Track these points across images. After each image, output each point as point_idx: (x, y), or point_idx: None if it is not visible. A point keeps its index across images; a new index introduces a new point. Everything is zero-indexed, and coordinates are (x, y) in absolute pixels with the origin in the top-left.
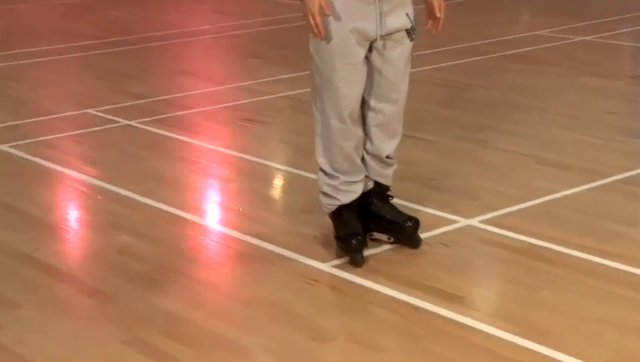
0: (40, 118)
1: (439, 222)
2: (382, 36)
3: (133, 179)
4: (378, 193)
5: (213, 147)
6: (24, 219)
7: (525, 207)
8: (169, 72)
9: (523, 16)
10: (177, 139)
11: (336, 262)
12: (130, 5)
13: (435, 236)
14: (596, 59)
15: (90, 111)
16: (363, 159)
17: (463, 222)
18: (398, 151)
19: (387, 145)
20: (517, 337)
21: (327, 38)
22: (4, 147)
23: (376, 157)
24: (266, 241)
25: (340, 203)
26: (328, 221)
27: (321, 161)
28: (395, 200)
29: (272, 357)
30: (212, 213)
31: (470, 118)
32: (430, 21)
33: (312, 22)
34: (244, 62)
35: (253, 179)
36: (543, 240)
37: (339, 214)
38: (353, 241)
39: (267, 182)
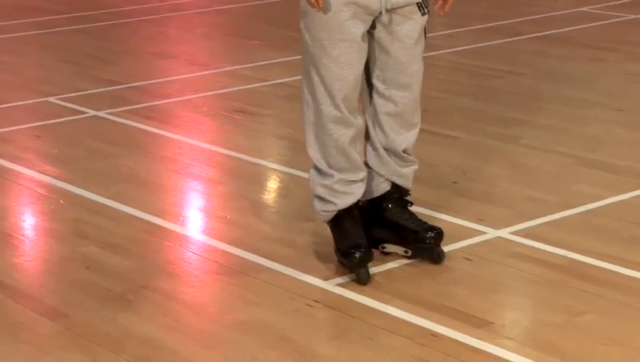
0: None
1: (463, 233)
2: (387, 10)
3: (102, 181)
4: (395, 197)
5: (196, 143)
6: None
7: (565, 216)
8: (144, 53)
9: None
10: (154, 133)
11: (341, 279)
12: None
13: (458, 249)
14: None
15: (51, 99)
16: (377, 154)
17: (491, 233)
18: (415, 149)
19: (403, 138)
20: None
21: (322, 9)
22: None
23: (392, 151)
24: (258, 254)
25: (336, 208)
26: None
27: (314, 156)
28: (411, 207)
29: None
30: (195, 220)
31: (500, 111)
32: (440, 0)
33: None
34: (234, 43)
35: (243, 181)
36: (586, 255)
37: (337, 223)
38: (356, 255)
39: (259, 184)
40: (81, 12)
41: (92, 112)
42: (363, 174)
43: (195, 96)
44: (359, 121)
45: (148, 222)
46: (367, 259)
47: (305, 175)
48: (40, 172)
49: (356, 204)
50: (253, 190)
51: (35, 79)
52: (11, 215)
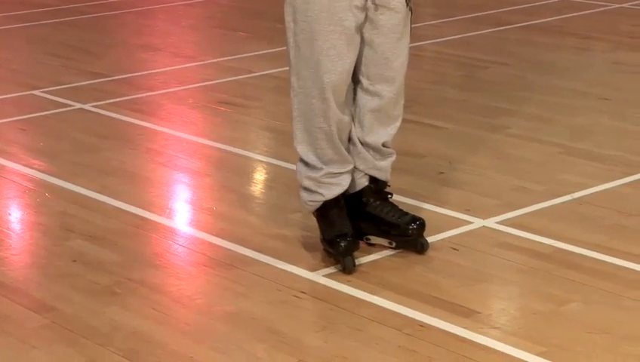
0: None
1: (449, 223)
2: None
3: (88, 174)
4: (375, 190)
5: (182, 135)
6: None
7: (551, 205)
8: (130, 46)
9: None
10: (140, 125)
11: (328, 270)
12: None
13: (445, 239)
14: (635, 31)
15: (37, 92)
16: (355, 148)
17: (477, 222)
18: (401, 140)
19: (384, 132)
20: (542, 359)
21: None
22: None
23: (370, 145)
24: (245, 246)
25: (323, 198)
26: None
27: (301, 149)
28: (398, 198)
29: None
30: (181, 212)
31: (486, 101)
32: None
33: None
34: (220, 35)
35: (230, 173)
36: (573, 244)
37: (323, 212)
38: (342, 243)
39: (246, 176)
40: (66, 4)
41: (78, 105)
42: (350, 166)
43: (181, 88)
44: (346, 115)
45: (135, 215)
46: (352, 247)
47: (291, 166)
48: (25, 165)
49: (342, 194)
50: (239, 182)
51: (20, 72)
52: None
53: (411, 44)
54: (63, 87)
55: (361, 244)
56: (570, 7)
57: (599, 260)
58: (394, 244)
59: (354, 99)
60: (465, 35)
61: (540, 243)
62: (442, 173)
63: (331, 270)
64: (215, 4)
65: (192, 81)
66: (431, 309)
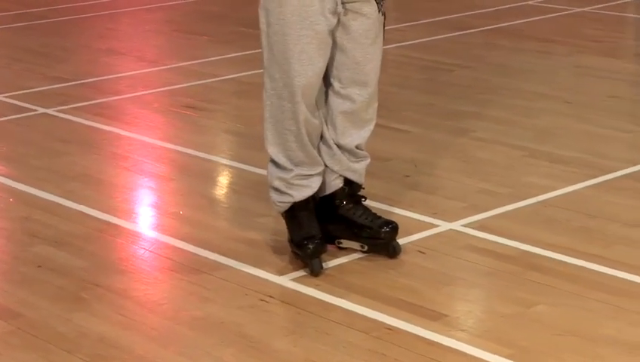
0: None
1: (416, 226)
2: (343, 3)
3: (53, 179)
4: (348, 193)
5: (147, 139)
6: None
7: (516, 208)
8: (93, 50)
9: None
10: (104, 130)
11: (295, 274)
12: None
13: (412, 243)
14: (597, 35)
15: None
16: (329, 150)
17: (443, 225)
18: (366, 144)
19: (357, 136)
20: (509, 361)
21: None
22: None
23: (344, 148)
24: (211, 251)
25: (293, 200)
26: (285, 226)
27: (272, 151)
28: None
29: None
30: (147, 217)
31: (451, 104)
32: None
33: None
34: (183, 39)
35: (195, 177)
36: (538, 246)
37: (292, 214)
38: (309, 246)
39: (211, 180)
40: (28, 9)
41: (41, 110)
42: (321, 168)
43: (145, 92)
44: (317, 118)
45: (99, 220)
46: (320, 250)
47: (256, 170)
48: None
49: (312, 197)
50: (204, 186)
51: None
52: None
53: None
54: (26, 91)
55: (330, 248)
56: (533, 12)
57: (564, 262)
58: (366, 248)
59: (325, 101)
60: (428, 38)
61: (506, 245)
62: (408, 176)
63: (299, 274)
64: (176, 9)
65: (157, 85)
66: (399, 312)
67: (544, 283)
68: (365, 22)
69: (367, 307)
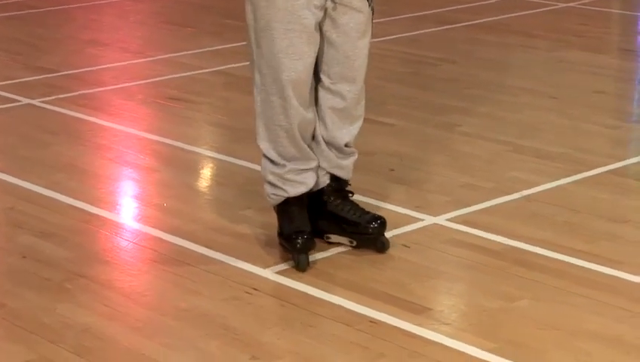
0: None
1: (400, 221)
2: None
3: (37, 170)
4: (335, 189)
5: (131, 131)
6: None
7: (501, 202)
8: (78, 41)
9: None
10: (89, 121)
11: (280, 266)
12: None
13: (397, 237)
14: (582, 30)
15: None
16: (318, 147)
17: (428, 220)
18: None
19: (346, 132)
20: (492, 355)
21: None
22: None
23: (333, 145)
24: (196, 243)
25: (287, 194)
26: (270, 218)
27: (264, 147)
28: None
29: None
30: (132, 209)
31: (435, 99)
32: None
33: None
34: (168, 31)
35: (180, 169)
36: (522, 241)
37: (285, 208)
38: (298, 240)
39: (197, 172)
40: None
41: (25, 101)
42: (314, 163)
43: (130, 84)
44: (310, 113)
45: (84, 211)
46: (309, 246)
47: (241, 162)
48: None
49: (306, 193)
50: (189, 178)
51: None
52: None
53: None
54: (10, 82)
55: (316, 241)
56: (516, 6)
57: (548, 257)
58: (354, 243)
59: (316, 97)
60: (411, 33)
61: (490, 240)
62: (392, 170)
63: (284, 266)
64: (161, 0)
65: (141, 76)
66: (383, 306)
67: (528, 278)
68: (355, 16)
69: (351, 300)
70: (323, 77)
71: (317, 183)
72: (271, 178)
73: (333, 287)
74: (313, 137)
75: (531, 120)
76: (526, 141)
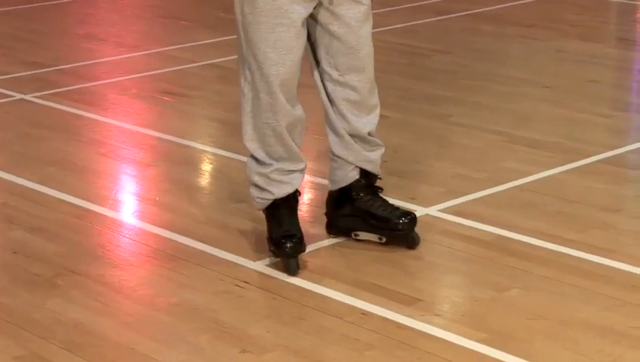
0: None
1: None
2: None
3: (30, 165)
4: (366, 185)
5: (125, 125)
6: None
7: (494, 192)
8: (72, 35)
9: None
10: (83, 115)
11: (271, 260)
12: None
13: None
14: (578, 19)
15: None
16: (342, 141)
17: (420, 210)
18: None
19: (365, 121)
20: (483, 345)
21: None
22: None
23: (357, 136)
24: (187, 237)
25: (273, 197)
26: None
27: (251, 146)
28: None
29: None
30: (124, 203)
31: (430, 89)
32: None
33: None
34: (163, 24)
35: (174, 164)
36: (515, 231)
37: (273, 211)
38: (287, 244)
39: (190, 166)
40: None
41: (19, 96)
42: (302, 165)
43: (124, 78)
44: (298, 110)
45: (77, 206)
46: (298, 249)
47: (236, 156)
48: None
49: (293, 194)
50: (183, 172)
51: None
52: None
53: None
54: (3, 77)
55: (306, 233)
56: None
57: (540, 247)
58: (384, 240)
59: (326, 93)
60: (408, 23)
61: (482, 230)
62: (386, 161)
63: (274, 259)
64: None
65: (136, 70)
66: (373, 297)
67: (519, 268)
68: (353, 5)
69: (341, 292)
70: (330, 70)
71: (344, 179)
72: (256, 179)
73: (324, 279)
74: (334, 133)
75: (525, 110)
76: (520, 131)
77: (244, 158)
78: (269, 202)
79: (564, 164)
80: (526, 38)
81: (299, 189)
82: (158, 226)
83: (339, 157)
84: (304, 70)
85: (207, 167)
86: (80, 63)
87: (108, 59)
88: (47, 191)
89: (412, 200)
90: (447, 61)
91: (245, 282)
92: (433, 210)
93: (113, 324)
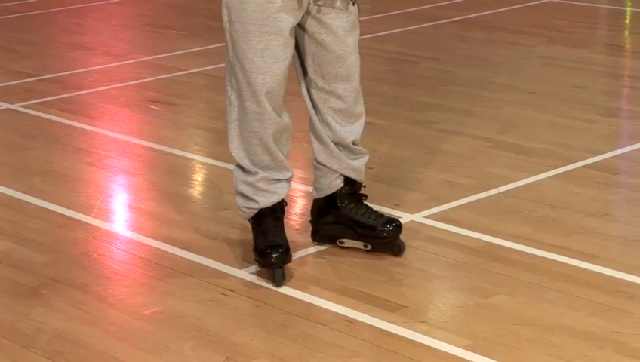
0: None
1: None
2: (315, 1)
3: (15, 174)
4: (349, 192)
5: (111, 134)
6: None
7: (479, 198)
8: (59, 45)
9: None
10: (69, 125)
11: (256, 267)
12: None
13: None
14: (565, 25)
15: None
16: (327, 149)
17: (405, 217)
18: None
19: (350, 130)
20: (468, 352)
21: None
22: None
23: (342, 145)
24: (172, 245)
25: (258, 206)
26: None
27: (237, 155)
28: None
29: None
30: (110, 212)
31: (415, 96)
32: None
33: None
34: (150, 33)
35: (160, 172)
36: (500, 237)
37: (258, 221)
38: (273, 255)
39: (176, 175)
40: None
41: (5, 105)
42: (289, 174)
43: (111, 87)
44: (285, 118)
45: (62, 215)
46: (284, 260)
47: (222, 164)
48: None
49: (280, 204)
50: (169, 180)
51: None
52: None
53: None
54: None
55: (291, 241)
56: (500, 2)
57: (525, 253)
58: (369, 247)
59: (311, 101)
60: (395, 30)
61: (468, 236)
62: (371, 168)
63: (259, 267)
64: (145, 2)
65: (123, 79)
66: (358, 304)
67: (504, 274)
68: (340, 14)
69: (326, 299)
70: (315, 78)
71: (329, 187)
72: (242, 188)
73: (309, 287)
74: (319, 140)
75: (510, 116)
76: (505, 137)
77: (232, 167)
78: (255, 211)
79: (549, 170)
80: (513, 44)
81: (285, 199)
82: (143, 235)
83: (323, 165)
84: (290, 78)
85: (193, 175)
86: (67, 72)
87: (95, 68)
88: (32, 201)
89: (397, 206)
90: (433, 68)
91: (230, 290)
92: (419, 217)
93: (97, 333)
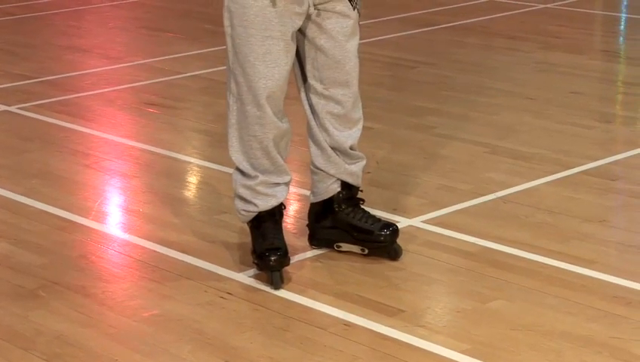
0: None
1: None
2: (315, 5)
3: (13, 177)
4: (346, 197)
5: (109, 137)
6: None
7: (477, 203)
8: (56, 47)
9: None
10: (66, 127)
11: (255, 271)
12: None
13: None
14: (561, 31)
15: None
16: (324, 154)
17: (403, 222)
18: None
19: (348, 135)
20: (466, 356)
21: (245, 3)
22: None
23: (339, 149)
24: (171, 248)
25: (257, 209)
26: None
27: (237, 159)
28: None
29: None
30: (108, 215)
31: (413, 101)
32: None
33: None
34: (148, 36)
35: (157, 175)
36: (498, 242)
37: (257, 224)
38: (271, 258)
39: (173, 177)
40: None
41: (3, 107)
42: (288, 178)
43: (108, 89)
44: (285, 123)
45: (60, 218)
46: (282, 263)
47: (219, 167)
48: None
49: (278, 208)
50: (167, 183)
51: None
52: None
53: None
54: None
55: (290, 244)
56: (496, 8)
57: (523, 258)
58: (366, 251)
59: (310, 105)
60: (393, 35)
61: (466, 241)
62: (369, 172)
63: (258, 271)
64: (142, 5)
65: (120, 82)
66: (357, 308)
67: (502, 279)
68: (340, 19)
69: (325, 303)
70: (314, 83)
71: (326, 191)
72: (241, 191)
73: (307, 291)
74: (316, 145)
75: (508, 121)
76: (502, 142)
77: (229, 170)
78: (254, 215)
79: (547, 175)
80: (510, 50)
81: (284, 203)
82: (141, 238)
83: (320, 169)
84: (290, 82)
85: (191, 178)
86: (64, 75)
87: (92, 70)
88: (29, 203)
89: (395, 211)
90: (430, 73)
91: (229, 293)
92: (416, 221)
93: (96, 336)
